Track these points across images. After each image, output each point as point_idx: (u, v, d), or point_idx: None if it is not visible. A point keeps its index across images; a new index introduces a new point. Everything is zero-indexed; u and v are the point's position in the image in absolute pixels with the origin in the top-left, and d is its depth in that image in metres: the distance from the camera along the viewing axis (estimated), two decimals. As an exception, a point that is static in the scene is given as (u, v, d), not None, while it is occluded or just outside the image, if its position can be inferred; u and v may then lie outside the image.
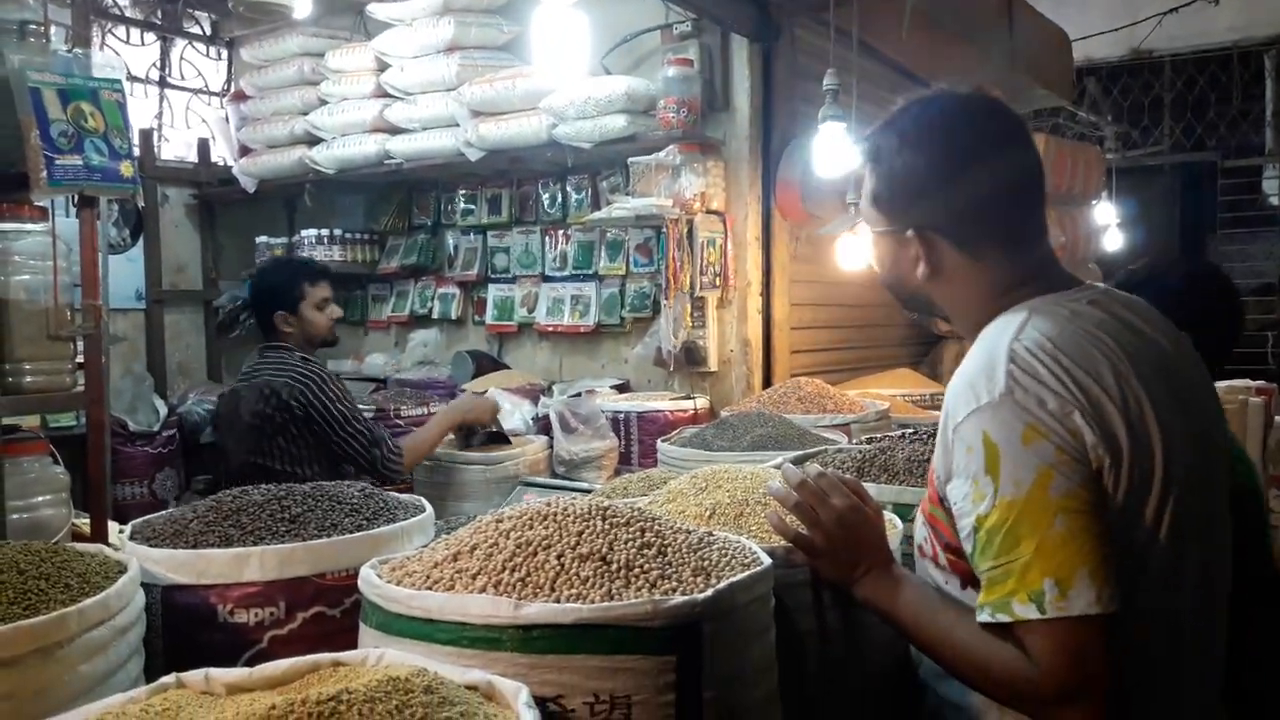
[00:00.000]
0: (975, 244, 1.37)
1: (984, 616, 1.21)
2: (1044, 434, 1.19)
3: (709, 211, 4.08)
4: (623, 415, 3.96)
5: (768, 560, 1.34)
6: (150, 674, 1.30)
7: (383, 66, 4.83)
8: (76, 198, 2.06)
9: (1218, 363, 2.28)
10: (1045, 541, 1.16)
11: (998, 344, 1.27)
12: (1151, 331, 1.34)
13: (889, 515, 1.72)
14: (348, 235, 5.32)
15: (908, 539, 1.78)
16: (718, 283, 4.13)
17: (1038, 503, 1.17)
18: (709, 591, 1.18)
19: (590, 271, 4.71)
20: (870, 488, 1.86)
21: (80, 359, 2.12)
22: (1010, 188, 1.38)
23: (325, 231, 5.26)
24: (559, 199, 4.80)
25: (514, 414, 3.95)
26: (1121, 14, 7.71)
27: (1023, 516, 1.17)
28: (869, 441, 2.52)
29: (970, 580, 1.28)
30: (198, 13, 5.80)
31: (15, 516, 1.93)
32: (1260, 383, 3.76)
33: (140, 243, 5.51)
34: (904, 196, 1.39)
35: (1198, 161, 8.50)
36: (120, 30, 5.55)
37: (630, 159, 4.10)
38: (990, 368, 1.24)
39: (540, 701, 1.09)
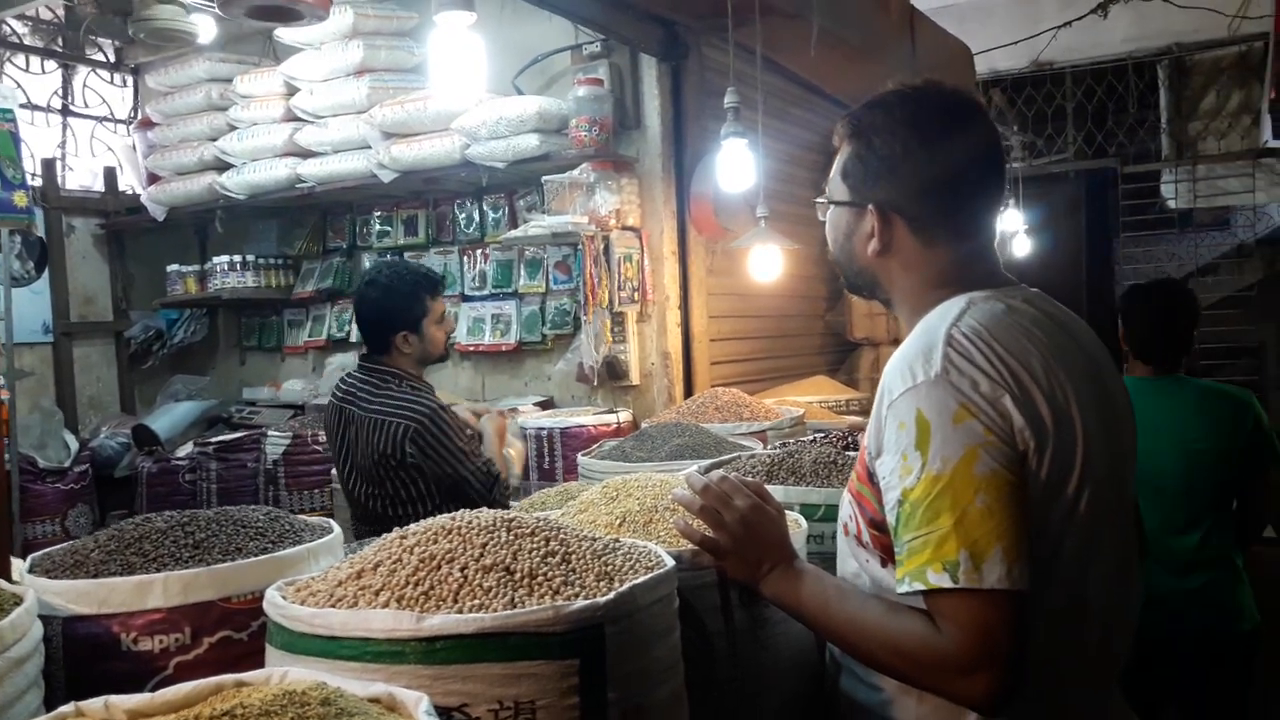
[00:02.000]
0: (931, 230, 1.43)
1: (902, 587, 1.25)
2: (974, 414, 1.24)
3: (625, 228, 4.13)
4: (545, 432, 3.97)
5: (671, 562, 1.37)
6: (51, 706, 1.27)
7: (292, 90, 4.80)
8: (-32, 229, 2.01)
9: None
10: (965, 516, 1.21)
11: (937, 329, 1.33)
12: (1079, 333, 1.43)
13: (794, 515, 1.77)
14: (261, 261, 5.26)
15: (813, 538, 1.84)
16: (636, 297, 4.18)
17: (962, 478, 1.22)
18: (610, 595, 1.21)
19: (510, 290, 4.73)
20: (778, 490, 1.92)
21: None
22: (976, 186, 1.44)
23: (238, 258, 5.20)
24: (476, 218, 4.81)
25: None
26: (1022, 27, 7.98)
27: (946, 490, 1.22)
28: (781, 447, 2.58)
29: (890, 556, 1.32)
30: (100, 40, 5.69)
31: (-89, 557, 1.87)
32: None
33: (46, 275, 5.37)
34: (874, 172, 1.44)
35: (1100, 168, 8.81)
36: (20, 59, 5.41)
37: (544, 177, 4.14)
38: (929, 350, 1.30)
39: (444, 711, 1.10)
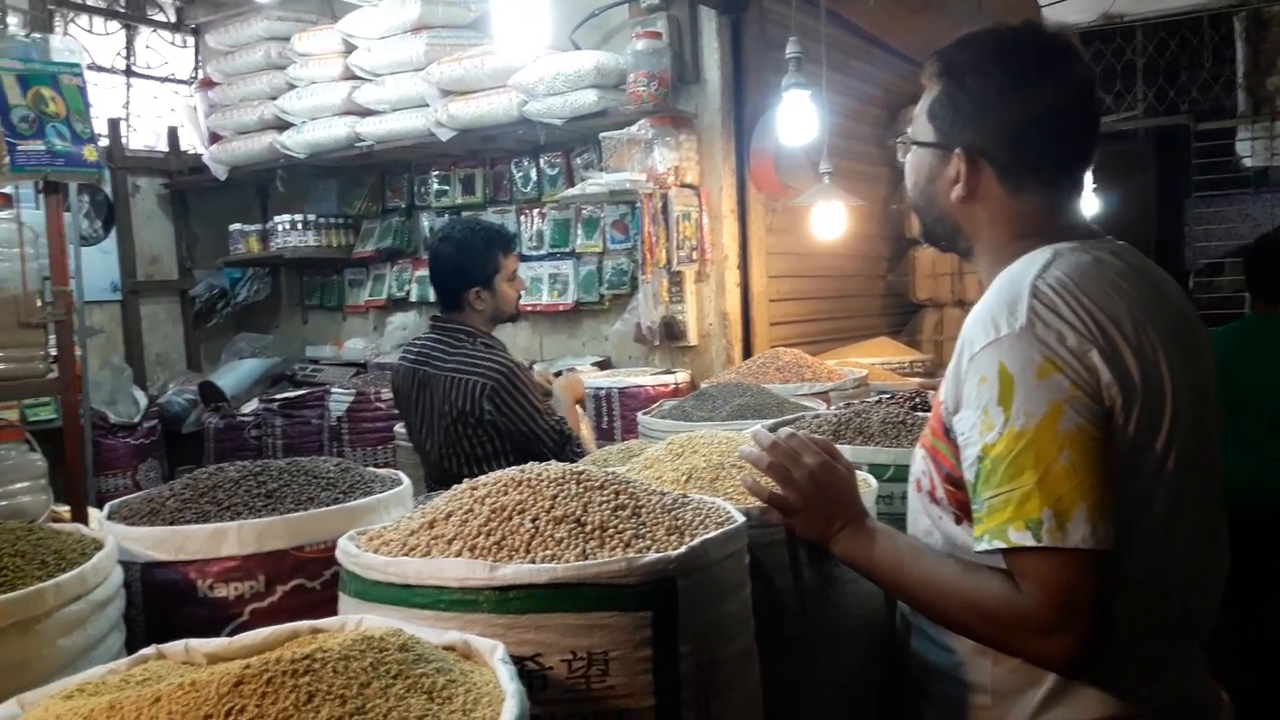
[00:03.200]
0: (1019, 178, 1.38)
1: (981, 545, 1.22)
2: (1060, 368, 1.20)
3: (683, 185, 4.08)
4: (604, 392, 3.96)
5: (741, 518, 1.35)
6: (132, 649, 1.30)
7: (350, 48, 4.80)
8: (42, 184, 2.04)
9: None
10: (1049, 473, 1.17)
11: (1022, 280, 1.28)
12: (1167, 287, 1.37)
13: (863, 475, 1.74)
14: (322, 220, 5.30)
15: (882, 498, 1.81)
16: (694, 257, 4.14)
17: (1046, 435, 1.18)
18: (682, 548, 1.19)
19: (567, 249, 4.71)
20: (845, 449, 1.88)
21: (54, 349, 2.11)
22: (1069, 133, 1.38)
23: (299, 217, 5.24)
24: (533, 177, 4.79)
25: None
26: (1091, -22, 7.71)
27: (1029, 447, 1.18)
28: (846, 407, 2.54)
29: (966, 513, 1.29)
30: (161, 0, 5.74)
31: (-7, 504, 1.93)
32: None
33: (113, 234, 5.47)
34: (964, 114, 1.38)
35: (1171, 126, 8.52)
36: (83, 19, 5.48)
37: (602, 134, 4.10)
38: (1013, 301, 1.26)
39: (518, 660, 1.10)
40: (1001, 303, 1.27)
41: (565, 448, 2.94)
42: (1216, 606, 1.41)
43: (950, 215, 1.45)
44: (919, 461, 1.44)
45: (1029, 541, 1.17)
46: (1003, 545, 1.20)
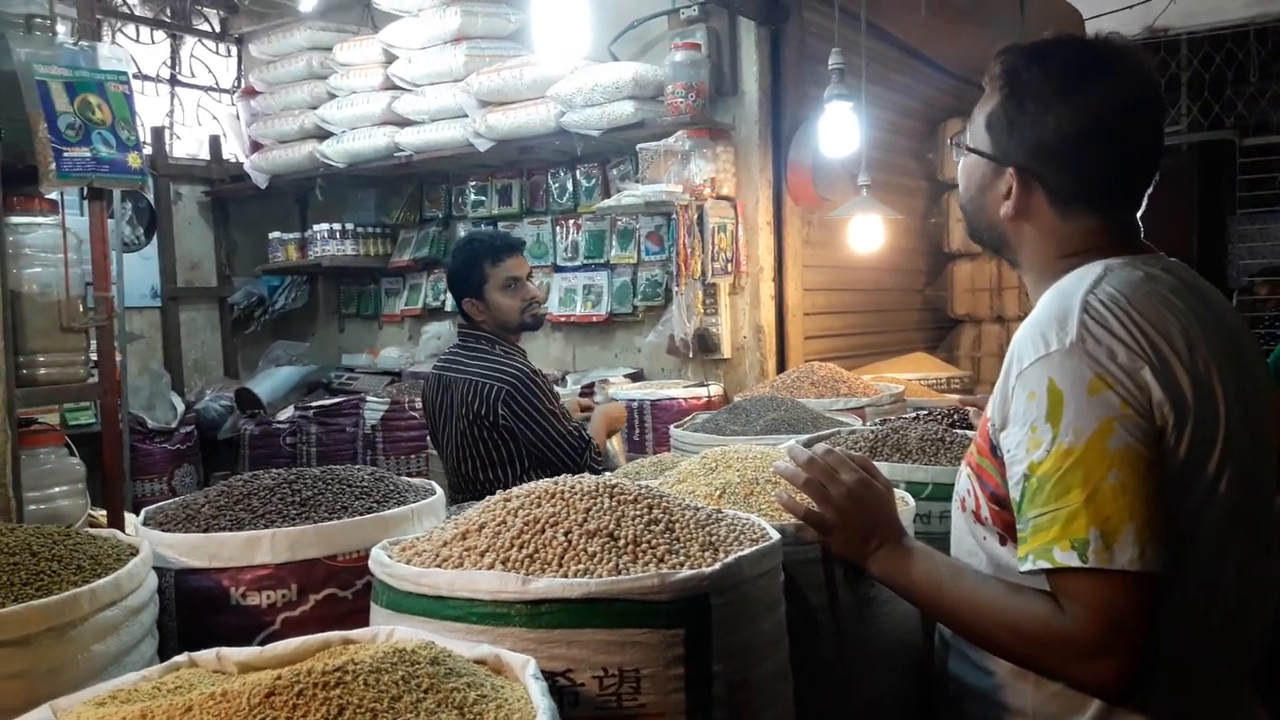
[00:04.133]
0: (1071, 203, 1.35)
1: (1025, 565, 1.19)
2: (1111, 385, 1.17)
3: (719, 197, 4.07)
4: (636, 404, 3.95)
5: (776, 535, 1.34)
6: (165, 656, 1.30)
7: (390, 59, 4.84)
8: (86, 190, 2.06)
9: None
10: (1097, 492, 1.14)
11: (1073, 294, 1.26)
12: (1219, 304, 1.34)
13: (901, 493, 1.71)
14: (360, 229, 5.35)
15: (920, 517, 1.78)
16: (729, 269, 4.12)
17: (1095, 453, 1.15)
18: (716, 565, 1.18)
19: (602, 260, 4.71)
20: (883, 467, 1.85)
21: (95, 353, 2.13)
22: (1131, 158, 1.35)
23: (337, 226, 5.29)
24: (569, 188, 4.80)
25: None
26: (1137, -9, 7.62)
27: (1077, 465, 1.15)
28: (882, 423, 2.51)
29: (1011, 533, 1.26)
30: (207, 9, 5.83)
31: (33, 506, 1.95)
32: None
33: (154, 241, 5.55)
34: (1021, 135, 1.35)
35: (1215, 141, 8.39)
36: (130, 29, 5.58)
37: (639, 145, 4.10)
38: (1063, 316, 1.23)
39: (549, 676, 1.09)
40: (1051, 317, 1.24)
41: (584, 454, 2.97)
42: (1269, 633, 1.37)
43: (998, 227, 1.43)
44: (963, 480, 1.42)
45: (1075, 562, 1.14)
46: (1047, 565, 1.17)
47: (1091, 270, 1.30)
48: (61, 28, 2.09)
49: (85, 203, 2.07)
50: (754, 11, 4.02)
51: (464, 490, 2.99)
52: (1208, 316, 1.29)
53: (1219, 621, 1.27)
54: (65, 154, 1.95)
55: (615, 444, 3.36)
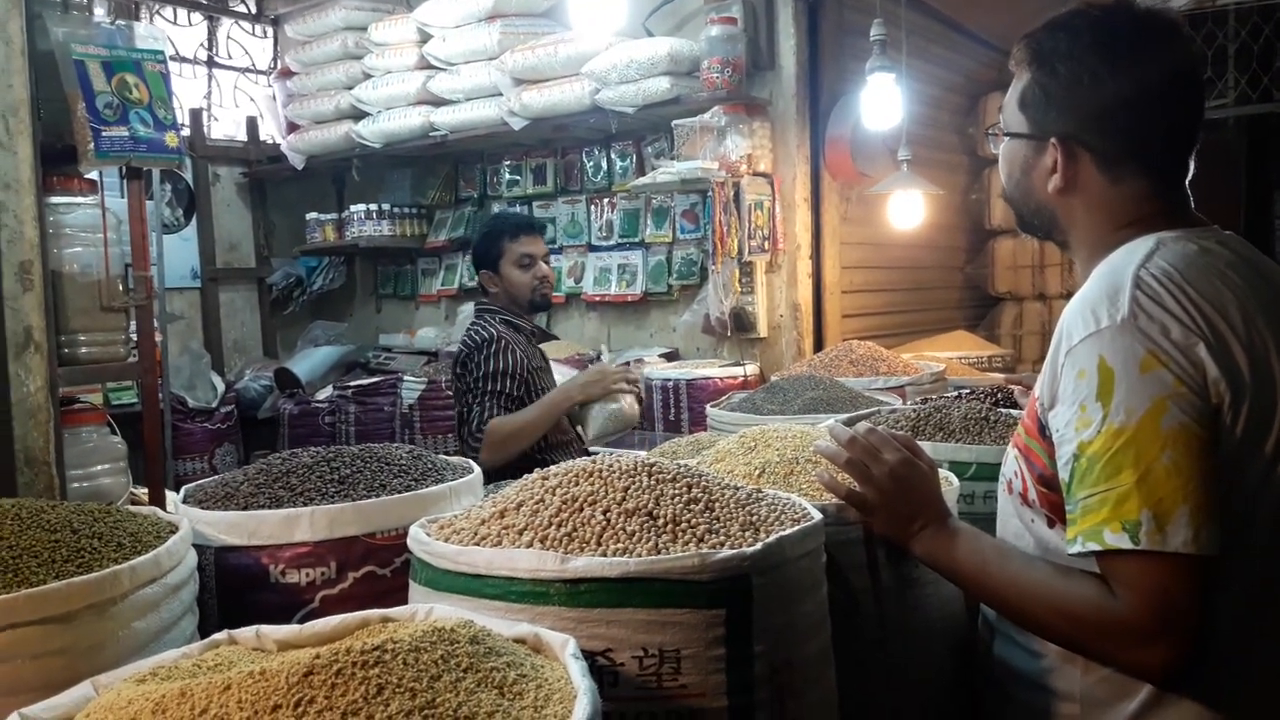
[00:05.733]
0: (1119, 166, 1.31)
1: (1074, 547, 1.16)
2: (1164, 363, 1.14)
3: (756, 173, 4.02)
4: (672, 383, 3.93)
5: (818, 515, 1.31)
6: (205, 633, 1.30)
7: (425, 38, 4.83)
8: (124, 170, 2.07)
9: None
10: (1149, 473, 1.11)
11: (1124, 269, 1.22)
12: (1277, 278, 1.29)
13: (945, 472, 1.68)
14: (396, 210, 5.36)
15: (964, 497, 1.75)
16: (766, 246, 4.08)
17: (1147, 433, 1.12)
18: (758, 545, 1.16)
19: (636, 239, 4.69)
20: (925, 446, 1.82)
21: (135, 334, 2.15)
22: (1172, 117, 1.31)
23: (374, 206, 5.30)
24: (604, 167, 4.77)
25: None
26: (1183, -39, 7.42)
27: (1129, 445, 1.12)
28: (924, 403, 2.47)
29: (1060, 515, 1.23)
30: (243, -9, 5.84)
31: (75, 485, 1.97)
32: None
33: (194, 222, 5.60)
34: (1058, 102, 1.32)
35: (1264, 114, 8.17)
36: (167, 11, 5.60)
37: (674, 122, 4.06)
38: (1114, 292, 1.20)
39: (589, 655, 1.07)
40: (1102, 293, 1.21)
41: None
42: None
43: (1048, 207, 1.38)
44: (1010, 461, 1.38)
45: (1126, 544, 1.11)
46: (1097, 547, 1.14)
47: (1143, 244, 1.26)
48: (99, 8, 2.09)
49: (124, 183, 2.08)
50: (791, -15, 3.96)
51: (461, 443, 3.09)
52: (1265, 291, 1.24)
53: (1276, 606, 1.23)
54: (103, 133, 1.95)
55: (604, 412, 3.07)
